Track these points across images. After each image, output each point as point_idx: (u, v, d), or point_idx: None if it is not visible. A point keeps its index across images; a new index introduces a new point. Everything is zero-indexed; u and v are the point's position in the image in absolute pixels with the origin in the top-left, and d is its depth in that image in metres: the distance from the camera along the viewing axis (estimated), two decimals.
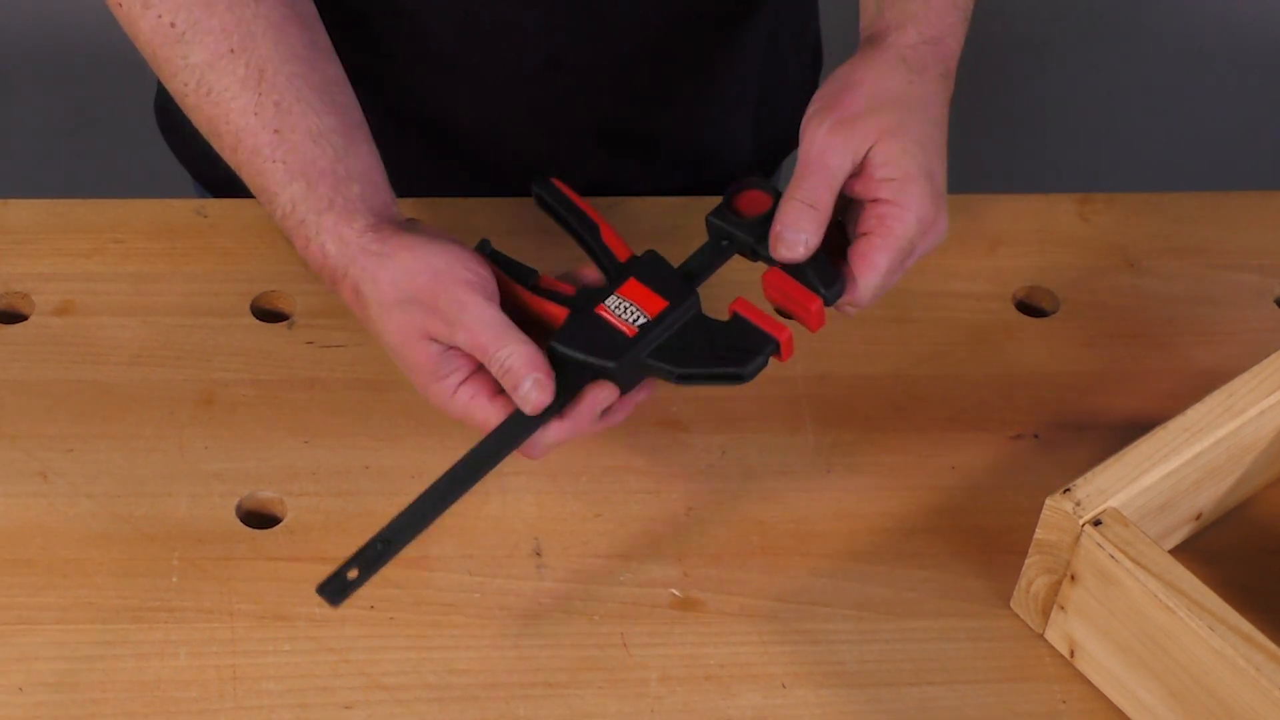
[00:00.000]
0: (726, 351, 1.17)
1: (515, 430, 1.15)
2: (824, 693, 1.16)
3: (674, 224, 1.44)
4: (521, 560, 1.23)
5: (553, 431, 1.16)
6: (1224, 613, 1.08)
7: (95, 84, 2.46)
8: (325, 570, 1.18)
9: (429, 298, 1.16)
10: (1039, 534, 1.16)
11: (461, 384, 1.17)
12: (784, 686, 1.17)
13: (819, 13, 1.67)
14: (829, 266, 1.19)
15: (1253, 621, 1.08)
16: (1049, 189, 1.51)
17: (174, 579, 1.21)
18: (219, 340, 1.35)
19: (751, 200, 1.22)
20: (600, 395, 1.17)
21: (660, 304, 1.18)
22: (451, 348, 1.16)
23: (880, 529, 1.26)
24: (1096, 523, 1.13)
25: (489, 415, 1.17)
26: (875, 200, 1.19)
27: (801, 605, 1.21)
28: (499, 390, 1.17)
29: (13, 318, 1.36)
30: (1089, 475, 1.16)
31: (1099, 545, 1.12)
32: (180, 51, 1.21)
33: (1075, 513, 1.14)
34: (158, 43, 1.22)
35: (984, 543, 1.25)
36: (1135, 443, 1.18)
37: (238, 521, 1.25)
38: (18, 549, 1.22)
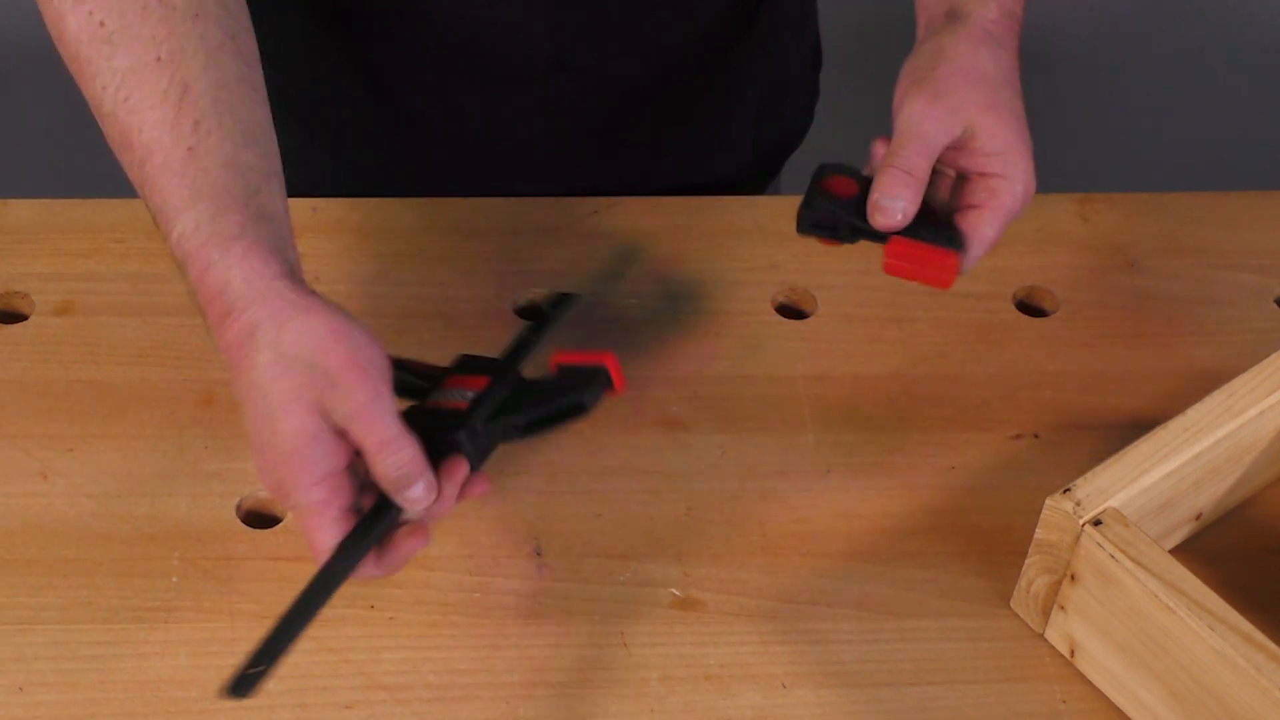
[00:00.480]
0: (560, 393, 1.14)
1: (360, 543, 1.07)
2: (824, 692, 1.16)
3: (674, 224, 1.44)
4: (522, 560, 1.23)
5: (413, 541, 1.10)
6: (1224, 612, 1.08)
7: None
8: None
9: (336, 370, 1.05)
10: (1039, 534, 1.16)
11: (325, 478, 1.06)
12: (784, 686, 1.16)
13: (818, 13, 1.67)
14: (949, 227, 1.21)
15: (1253, 621, 1.07)
16: (1050, 189, 1.50)
17: (174, 579, 1.21)
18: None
19: (839, 184, 1.23)
20: (459, 469, 1.10)
21: (483, 380, 1.15)
22: (335, 430, 1.06)
23: (880, 529, 1.26)
24: (1097, 523, 1.13)
25: (328, 529, 1.06)
26: (984, 174, 1.21)
27: (801, 605, 1.21)
28: (349, 510, 1.07)
29: (13, 317, 1.37)
30: (1089, 475, 1.15)
31: (1099, 545, 1.12)
32: (105, 52, 1.13)
33: (1075, 513, 1.13)
34: (84, 40, 1.14)
35: (984, 543, 1.25)
36: (1135, 443, 1.17)
37: (238, 521, 1.24)
38: (18, 549, 1.22)
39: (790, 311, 1.40)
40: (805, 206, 1.22)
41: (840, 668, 1.17)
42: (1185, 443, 1.18)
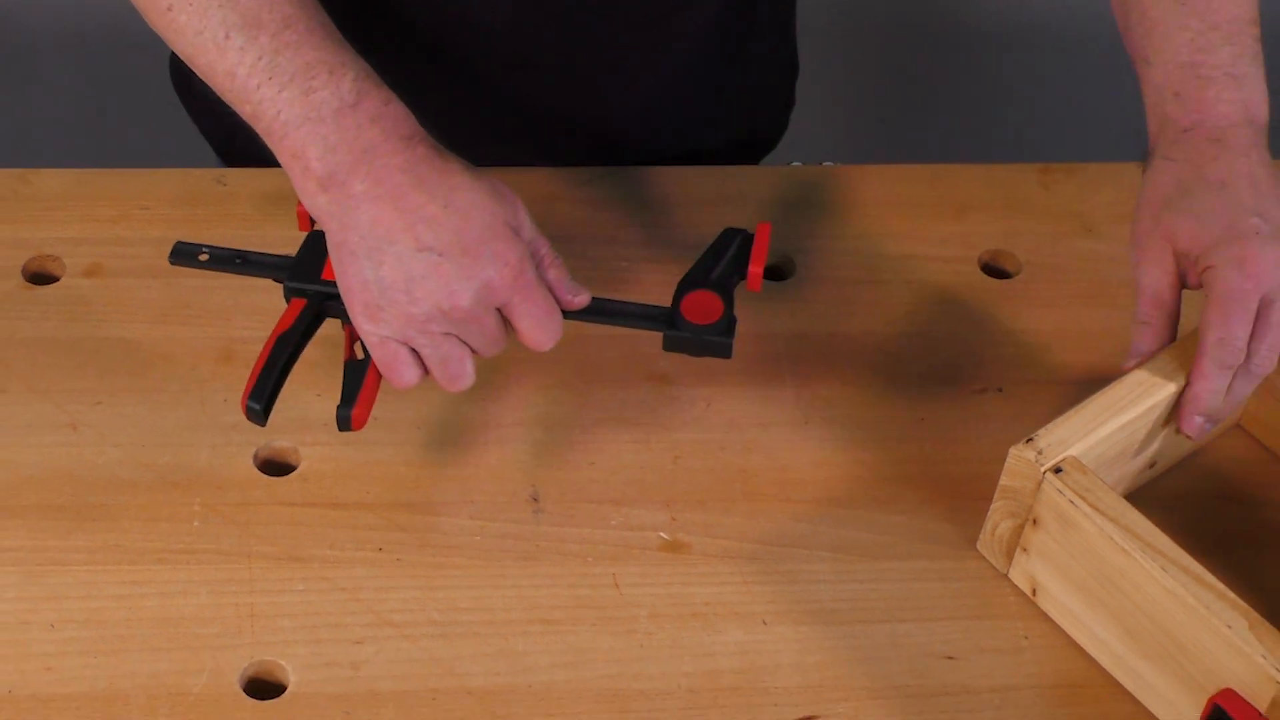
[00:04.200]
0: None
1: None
2: (802, 629, 1.16)
3: (664, 193, 1.43)
4: (520, 506, 1.23)
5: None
6: (1175, 554, 1.08)
7: (121, 64, 2.46)
8: (338, 515, 1.18)
9: (512, 198, 1.13)
10: (1004, 480, 1.16)
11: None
12: (765, 623, 1.16)
13: (795, 23, 1.63)
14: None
15: (1202, 563, 1.07)
16: (1013, 159, 1.51)
17: (195, 523, 1.20)
18: (237, 301, 1.35)
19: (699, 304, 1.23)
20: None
21: None
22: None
23: (855, 477, 1.25)
24: (1057, 470, 1.13)
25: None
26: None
27: (781, 547, 1.21)
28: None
29: (44, 279, 1.36)
30: (1050, 426, 1.15)
31: (1059, 491, 1.12)
32: None
33: (1037, 461, 1.13)
34: None
35: (952, 490, 1.25)
36: (1093, 396, 1.17)
37: (255, 470, 1.24)
38: (49, 495, 1.22)
39: (771, 273, 1.40)
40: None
41: (817, 606, 1.17)
42: (1140, 396, 1.17)
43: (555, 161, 1.45)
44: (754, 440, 1.28)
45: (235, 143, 1.52)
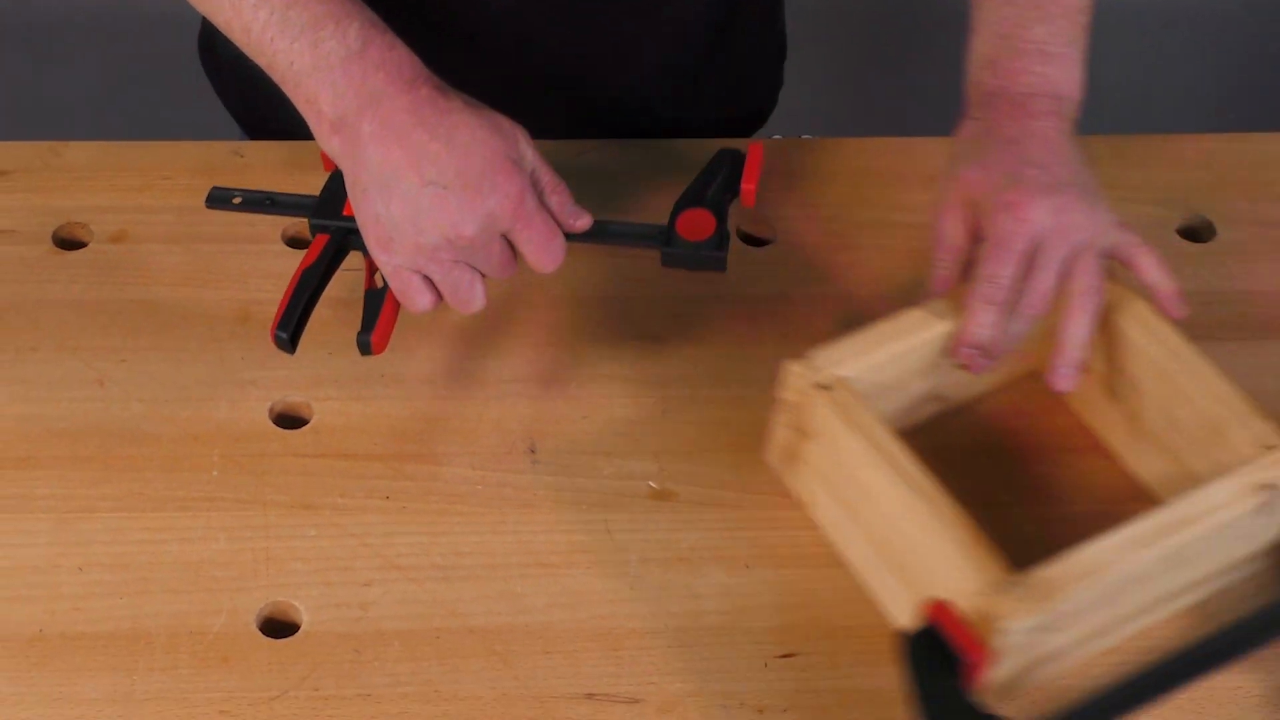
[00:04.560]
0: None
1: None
2: (782, 572, 1.15)
3: (655, 164, 1.42)
4: (518, 457, 1.22)
5: None
6: (912, 473, 1.09)
7: (146, 42, 2.46)
8: (348, 465, 1.17)
9: (512, 131, 1.12)
10: (780, 393, 1.16)
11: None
12: (747, 567, 1.16)
13: (784, 9, 1.62)
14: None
15: (969, 509, 1.07)
16: None
17: (214, 473, 1.20)
18: (254, 265, 1.34)
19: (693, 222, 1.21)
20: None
21: None
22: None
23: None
24: (824, 387, 1.13)
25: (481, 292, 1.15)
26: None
27: (763, 495, 1.20)
28: None
29: (73, 245, 1.35)
30: (825, 347, 1.16)
31: (823, 406, 1.12)
32: None
33: (809, 376, 1.13)
34: None
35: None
36: (874, 324, 1.18)
37: (270, 423, 1.23)
38: (78, 447, 1.21)
39: (753, 240, 1.39)
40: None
41: (796, 551, 1.17)
42: (916, 329, 1.18)
43: (554, 135, 1.44)
44: (738, 396, 1.27)
45: (256, 114, 1.52)
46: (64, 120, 2.47)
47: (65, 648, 1.10)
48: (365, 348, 1.18)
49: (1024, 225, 1.15)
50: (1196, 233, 1.40)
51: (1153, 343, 1.18)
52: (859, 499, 1.12)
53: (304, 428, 1.23)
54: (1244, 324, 1.32)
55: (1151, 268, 1.19)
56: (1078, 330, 1.16)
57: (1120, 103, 2.63)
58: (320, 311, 1.26)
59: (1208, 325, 1.32)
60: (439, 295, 1.15)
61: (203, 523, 1.17)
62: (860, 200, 1.40)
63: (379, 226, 1.12)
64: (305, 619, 1.12)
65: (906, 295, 1.32)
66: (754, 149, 1.22)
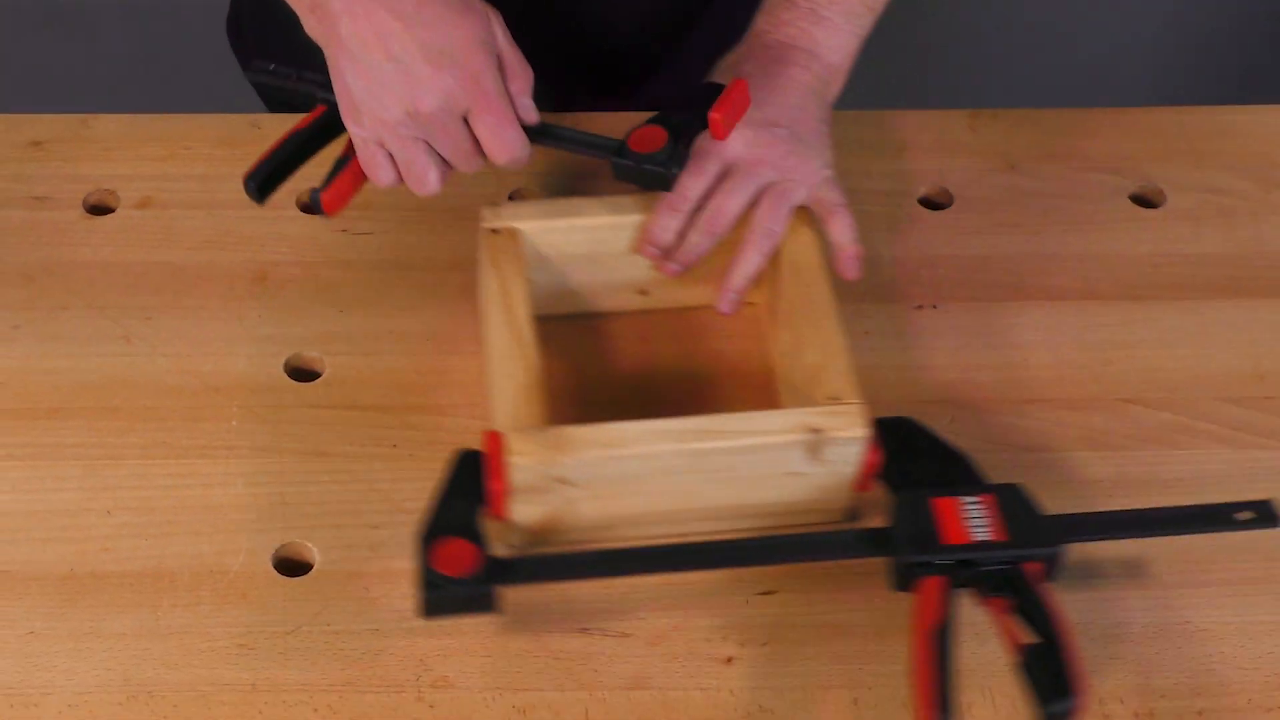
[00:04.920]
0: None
1: None
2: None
3: None
4: None
5: None
6: (515, 315, 1.13)
7: (172, 22, 2.45)
8: (357, 416, 1.17)
9: (484, 12, 1.10)
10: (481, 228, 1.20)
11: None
12: None
13: None
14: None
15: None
16: (945, 105, 1.49)
17: (233, 423, 1.19)
18: (270, 229, 1.32)
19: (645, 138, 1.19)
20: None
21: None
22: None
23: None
24: (495, 231, 1.19)
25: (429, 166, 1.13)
26: None
27: None
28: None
29: (102, 210, 1.34)
30: (525, 202, 1.24)
31: (486, 245, 1.18)
32: None
33: (488, 219, 1.19)
34: None
35: (892, 390, 1.23)
36: (573, 198, 1.23)
37: (285, 376, 1.23)
38: (106, 398, 1.20)
39: None
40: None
41: None
42: (606, 211, 1.21)
43: (555, 83, 1.43)
44: (720, 349, 1.26)
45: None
46: (94, 94, 2.47)
47: (94, 586, 1.10)
48: (315, 204, 1.16)
49: (718, 147, 1.19)
50: (1148, 199, 1.39)
51: (802, 288, 1.19)
52: (487, 330, 1.16)
53: (316, 381, 1.23)
54: (1191, 284, 1.32)
55: (843, 229, 1.22)
56: (745, 264, 1.21)
57: (1078, 78, 2.63)
58: (332, 273, 1.26)
59: (1158, 286, 1.31)
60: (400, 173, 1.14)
61: (222, 469, 1.16)
62: (836, 169, 1.39)
63: (347, 98, 1.11)
64: (318, 559, 1.12)
65: (874, 253, 1.32)
66: (736, 84, 1.17)
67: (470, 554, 1.04)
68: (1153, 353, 1.27)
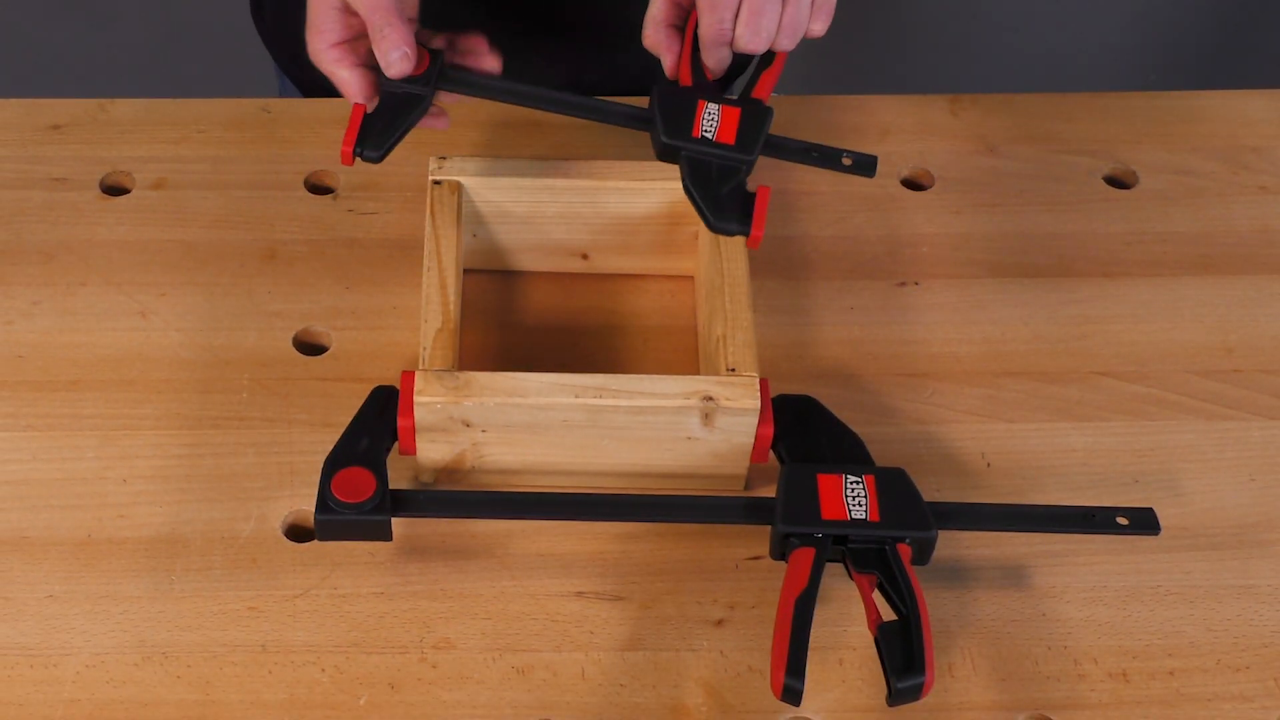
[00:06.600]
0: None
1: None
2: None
3: None
4: None
5: None
6: (444, 266, 1.14)
7: (188, 8, 2.44)
8: (364, 388, 1.16)
9: None
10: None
11: (334, 45, 1.13)
12: None
13: None
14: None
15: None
16: (927, 90, 1.48)
17: (244, 395, 1.18)
18: (279, 209, 1.32)
19: None
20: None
21: None
22: (345, 11, 1.12)
23: (794, 356, 1.23)
24: (436, 182, 1.20)
25: (348, 79, 1.13)
26: None
27: None
28: (363, 63, 1.14)
29: (119, 191, 1.33)
30: (465, 157, 1.21)
31: (429, 198, 1.19)
32: None
33: (433, 169, 1.20)
34: None
35: (875, 365, 1.23)
36: (520, 159, 1.22)
37: (294, 350, 1.22)
38: (122, 371, 1.19)
39: None
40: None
41: (769, 470, 1.16)
42: (551, 175, 1.21)
43: (559, 62, 1.42)
44: (650, 316, 1.26)
45: (306, 72, 1.49)
46: (112, 79, 2.46)
47: (111, 551, 1.09)
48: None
49: None
50: (1121, 180, 1.38)
51: (721, 262, 1.17)
52: (422, 278, 1.16)
53: (324, 354, 1.22)
54: (1162, 262, 1.31)
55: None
56: (755, 39, 1.16)
57: (1055, 65, 2.62)
58: (338, 251, 1.25)
59: (1130, 263, 1.31)
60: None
61: (233, 439, 1.16)
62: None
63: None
64: None
65: (859, 233, 1.31)
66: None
67: (369, 483, 1.04)
68: (1125, 328, 1.26)
